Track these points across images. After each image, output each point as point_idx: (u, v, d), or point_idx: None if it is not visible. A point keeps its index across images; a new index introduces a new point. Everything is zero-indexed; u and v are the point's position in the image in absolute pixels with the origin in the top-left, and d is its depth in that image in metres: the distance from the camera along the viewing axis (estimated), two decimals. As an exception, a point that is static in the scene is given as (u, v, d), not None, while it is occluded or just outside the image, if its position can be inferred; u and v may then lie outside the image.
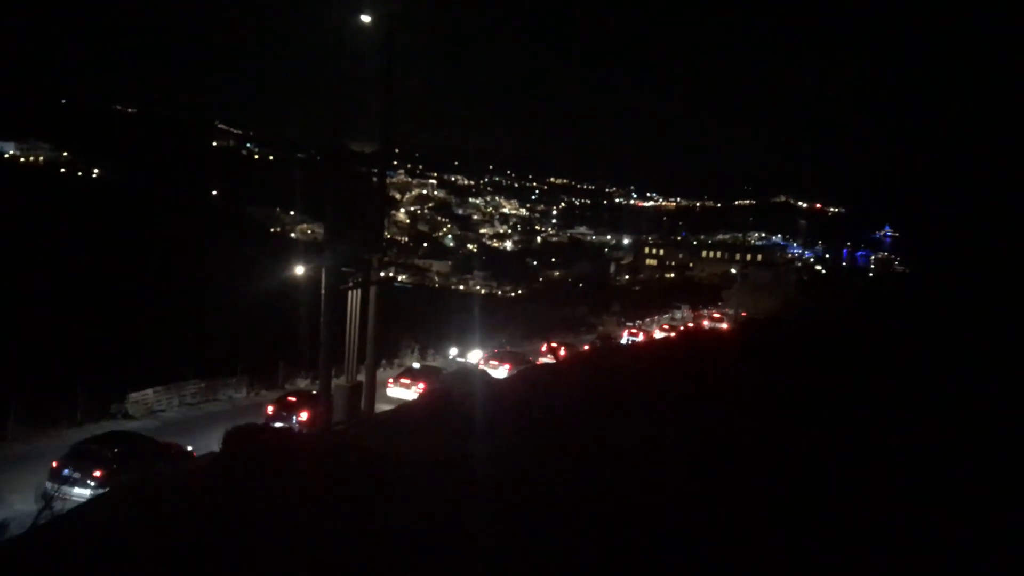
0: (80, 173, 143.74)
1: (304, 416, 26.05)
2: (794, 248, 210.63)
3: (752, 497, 9.64)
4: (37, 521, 12.68)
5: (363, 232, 25.66)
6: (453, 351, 47.62)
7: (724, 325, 71.34)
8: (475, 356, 44.15)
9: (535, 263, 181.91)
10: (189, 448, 22.31)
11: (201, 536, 8.98)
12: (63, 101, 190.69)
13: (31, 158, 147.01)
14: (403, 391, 33.14)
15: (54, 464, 19.20)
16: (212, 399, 33.33)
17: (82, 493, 17.82)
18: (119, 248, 72.82)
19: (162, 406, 31.09)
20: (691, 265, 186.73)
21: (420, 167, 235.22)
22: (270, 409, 27.58)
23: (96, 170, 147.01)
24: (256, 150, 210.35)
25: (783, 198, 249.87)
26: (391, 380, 35.06)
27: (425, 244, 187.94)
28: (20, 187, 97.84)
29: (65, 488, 17.64)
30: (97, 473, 18.71)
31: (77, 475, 18.69)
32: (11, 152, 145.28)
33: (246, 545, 8.68)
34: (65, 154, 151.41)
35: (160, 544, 8.86)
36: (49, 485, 18.01)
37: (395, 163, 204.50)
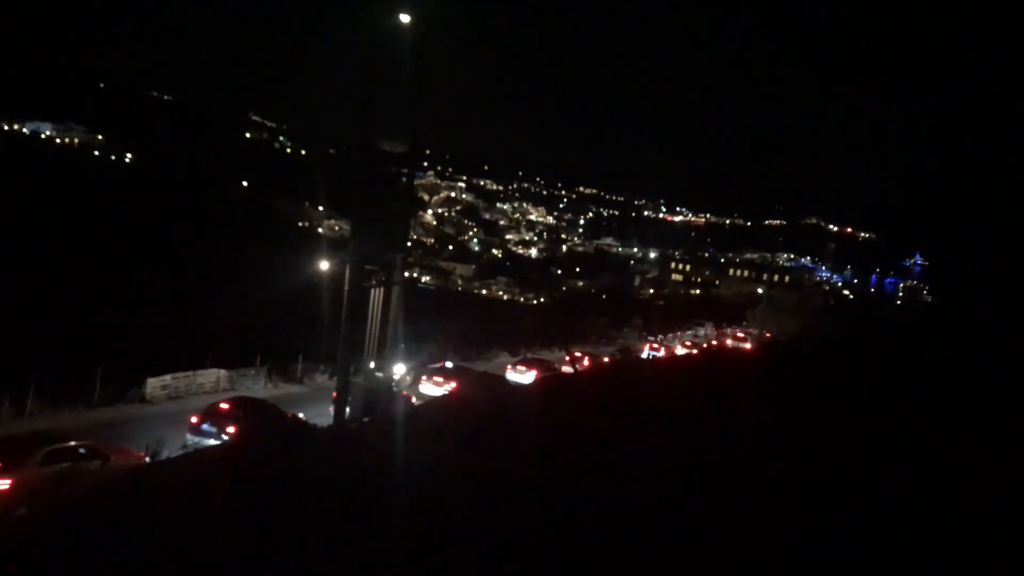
0: (113, 157, 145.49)
1: (232, 430, 21.95)
2: (822, 271, 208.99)
3: (765, 528, 9.48)
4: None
5: (388, 231, 25.65)
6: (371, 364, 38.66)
7: (747, 345, 70.83)
8: (401, 370, 32.71)
9: (559, 272, 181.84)
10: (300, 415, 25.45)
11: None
12: (100, 85, 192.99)
13: (66, 139, 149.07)
14: (435, 388, 34.22)
15: (194, 419, 23.46)
16: (230, 389, 33.49)
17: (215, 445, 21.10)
18: (146, 233, 73.55)
19: (180, 392, 31.31)
20: (717, 283, 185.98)
21: (450, 170, 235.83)
22: (193, 419, 24.17)
23: (129, 155, 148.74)
24: (288, 144, 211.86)
25: (814, 220, 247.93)
26: (424, 377, 36.14)
27: (450, 247, 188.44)
28: (54, 167, 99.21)
29: (202, 440, 21.98)
30: (230, 429, 22.53)
31: (213, 430, 22.72)
32: (48, 132, 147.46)
33: (250, 539, 8.65)
34: (100, 137, 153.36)
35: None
36: (189, 437, 22.51)
37: (424, 164, 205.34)
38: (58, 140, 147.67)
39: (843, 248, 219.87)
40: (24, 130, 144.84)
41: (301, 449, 14.23)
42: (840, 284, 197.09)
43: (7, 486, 16.19)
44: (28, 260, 50.78)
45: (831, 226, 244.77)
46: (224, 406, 24.37)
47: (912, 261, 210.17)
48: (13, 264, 47.75)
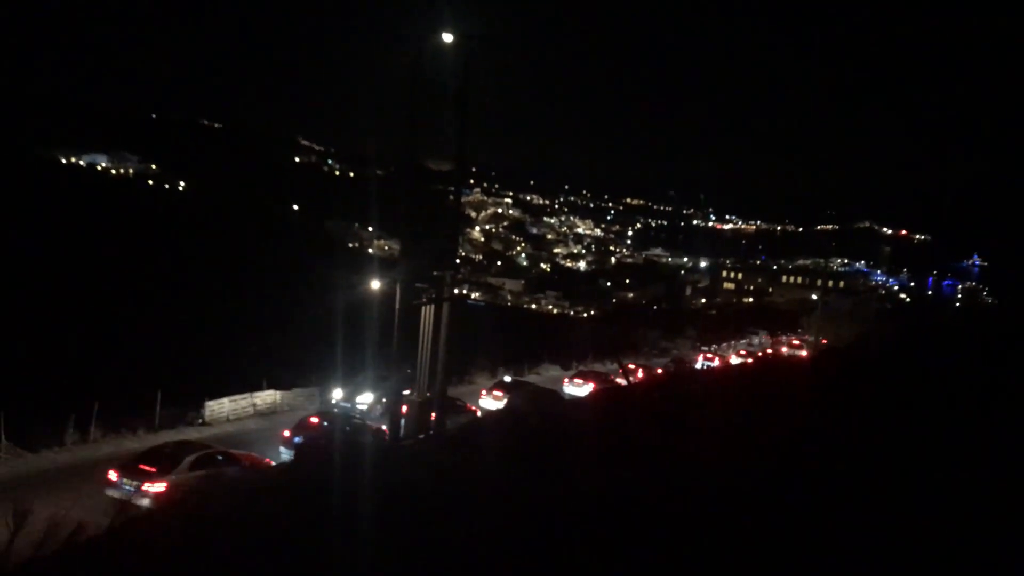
0: (167, 185, 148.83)
1: (153, 488, 19.00)
2: (877, 276, 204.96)
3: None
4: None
5: (437, 249, 25.81)
6: (337, 393, 33.94)
7: (803, 353, 69.61)
8: (366, 399, 32.42)
9: (608, 284, 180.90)
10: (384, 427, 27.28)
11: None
12: (152, 116, 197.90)
13: (121, 170, 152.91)
14: (494, 403, 35.10)
15: (286, 433, 25.74)
16: (287, 410, 33.87)
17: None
18: (199, 260, 74.93)
19: (238, 414, 31.76)
20: (770, 290, 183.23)
21: (496, 186, 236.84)
22: (286, 433, 26.06)
23: (182, 183, 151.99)
24: (336, 166, 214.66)
25: (867, 224, 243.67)
26: (484, 392, 37.45)
27: (498, 262, 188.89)
28: (110, 197, 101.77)
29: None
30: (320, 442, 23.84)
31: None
32: (103, 164, 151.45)
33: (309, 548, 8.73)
34: (153, 167, 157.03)
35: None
36: (283, 450, 24.73)
37: (471, 182, 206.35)
38: (113, 171, 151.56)
39: (898, 251, 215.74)
40: (81, 162, 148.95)
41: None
42: (896, 288, 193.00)
43: (163, 488, 18.70)
44: (86, 288, 52.11)
45: (885, 229, 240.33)
46: (314, 420, 26.77)
47: (970, 262, 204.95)
48: (73, 293, 49.07)
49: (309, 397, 35.54)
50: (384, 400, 31.21)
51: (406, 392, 25.88)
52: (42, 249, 62.10)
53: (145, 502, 18.30)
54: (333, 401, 32.99)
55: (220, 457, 20.98)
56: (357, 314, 33.65)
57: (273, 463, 22.85)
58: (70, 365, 31.82)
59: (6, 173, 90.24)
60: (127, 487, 19.06)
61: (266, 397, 33.59)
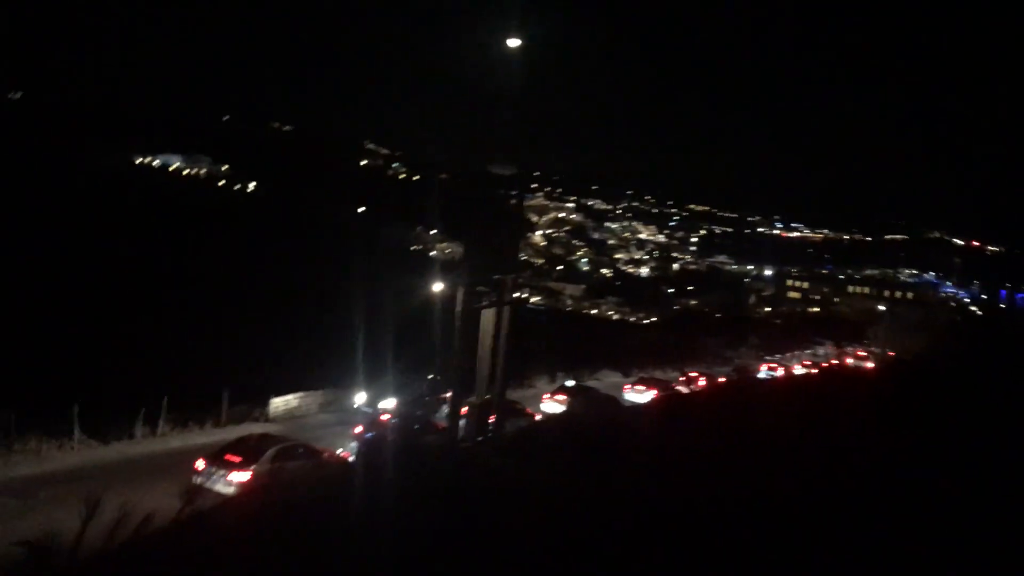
0: (237, 186, 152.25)
1: (237, 478, 20.04)
2: (947, 287, 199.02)
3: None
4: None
5: (499, 253, 25.91)
6: (360, 397, 33.62)
7: (869, 364, 68.13)
8: (389, 404, 32.37)
9: (671, 291, 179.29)
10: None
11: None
12: (225, 118, 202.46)
13: (193, 171, 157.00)
14: (556, 407, 35.88)
15: (358, 429, 27.02)
16: (350, 408, 34.42)
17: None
18: (266, 260, 76.39)
19: (301, 412, 32.37)
20: (836, 300, 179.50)
21: (559, 190, 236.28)
22: (358, 429, 27.28)
23: (252, 183, 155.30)
24: (401, 170, 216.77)
25: (937, 234, 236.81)
26: (546, 396, 38.24)
27: (559, 267, 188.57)
28: (183, 197, 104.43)
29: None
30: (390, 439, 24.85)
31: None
32: (176, 164, 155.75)
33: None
34: (224, 168, 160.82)
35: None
36: (355, 445, 25.70)
37: (533, 186, 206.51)
38: (185, 171, 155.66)
39: (969, 262, 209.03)
40: (155, 163, 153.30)
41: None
42: (967, 300, 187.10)
43: (247, 478, 19.79)
44: (156, 286, 53.60)
45: (956, 239, 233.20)
46: (384, 418, 27.96)
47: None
48: (143, 291, 50.53)
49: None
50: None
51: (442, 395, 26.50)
52: (116, 247, 64.11)
53: (230, 490, 19.42)
54: (355, 405, 32.79)
55: (300, 450, 22.02)
56: (417, 318, 34.04)
57: (350, 457, 23.46)
58: (140, 361, 32.72)
59: (84, 175, 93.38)
60: (214, 476, 20.08)
61: (328, 395, 34.21)
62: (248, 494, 18.67)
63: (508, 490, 12.10)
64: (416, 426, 27.10)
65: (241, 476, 19.85)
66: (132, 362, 32.87)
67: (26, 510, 18.29)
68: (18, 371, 27.78)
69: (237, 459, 20.54)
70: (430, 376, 35.58)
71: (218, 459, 20.70)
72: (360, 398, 32.56)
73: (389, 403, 31.77)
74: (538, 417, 32.19)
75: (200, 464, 20.58)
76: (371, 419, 28.50)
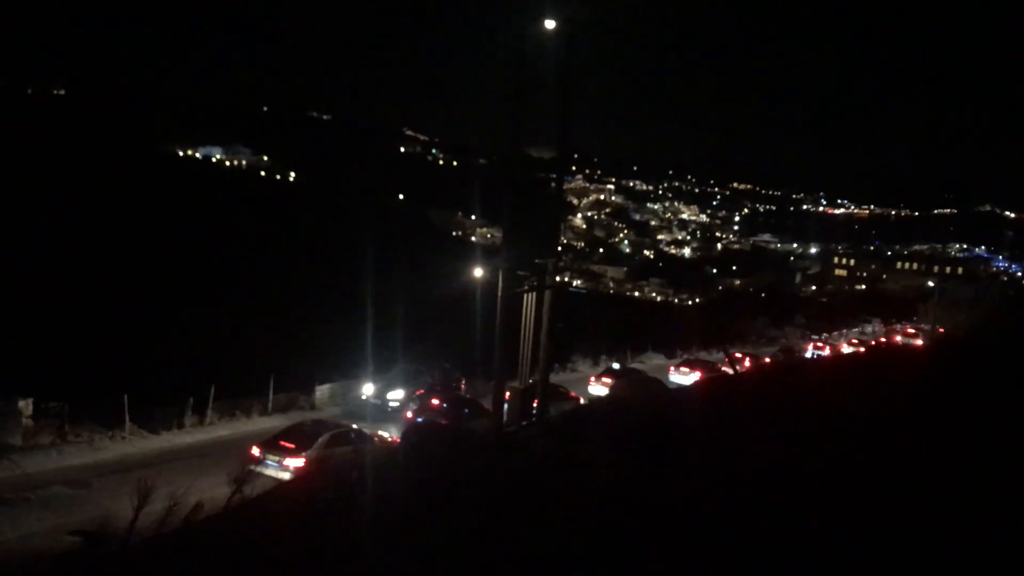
0: (278, 176, 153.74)
1: (292, 463, 20.62)
2: (999, 261, 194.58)
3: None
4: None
5: (539, 236, 25.75)
6: (368, 388, 31.58)
7: (918, 342, 66.81)
8: (399, 395, 31.15)
9: (714, 271, 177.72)
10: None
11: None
12: (264, 109, 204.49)
13: (235, 162, 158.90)
14: (603, 389, 35.70)
15: (409, 415, 27.21)
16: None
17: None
18: (308, 249, 77.05)
19: (346, 400, 32.57)
20: (884, 277, 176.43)
21: (598, 172, 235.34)
22: (409, 414, 27.50)
23: (292, 173, 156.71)
24: (440, 156, 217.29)
25: (987, 207, 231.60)
26: (593, 378, 38.20)
27: (601, 250, 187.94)
28: (225, 187, 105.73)
29: None
30: (443, 422, 25.31)
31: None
32: (218, 156, 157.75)
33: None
34: (265, 158, 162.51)
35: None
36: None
37: (573, 168, 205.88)
38: (227, 163, 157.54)
39: (1022, 235, 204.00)
40: (197, 155, 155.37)
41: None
42: (1020, 274, 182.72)
43: (302, 463, 20.34)
44: (198, 278, 54.38)
45: (1008, 212, 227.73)
46: (435, 402, 28.18)
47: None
48: (187, 281, 51.30)
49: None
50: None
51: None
52: (161, 238, 65.14)
53: (285, 476, 19.97)
54: (363, 397, 31.28)
55: (352, 435, 22.52)
56: (457, 303, 34.04)
57: (400, 441, 23.58)
58: (188, 349, 33.22)
59: (129, 167, 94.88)
60: (269, 462, 20.65)
61: (371, 383, 34.39)
62: (298, 480, 19.03)
63: (554, 470, 12.03)
64: (466, 409, 27.22)
65: (295, 462, 20.38)
66: (180, 351, 33.43)
67: (80, 499, 18.68)
68: (70, 361, 28.43)
69: (291, 445, 21.09)
70: (444, 364, 35.30)
71: (273, 445, 21.28)
72: (367, 389, 31.12)
73: (397, 394, 30.83)
74: (582, 401, 32.12)
75: (256, 451, 21.15)
76: (422, 404, 28.68)
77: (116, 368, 28.54)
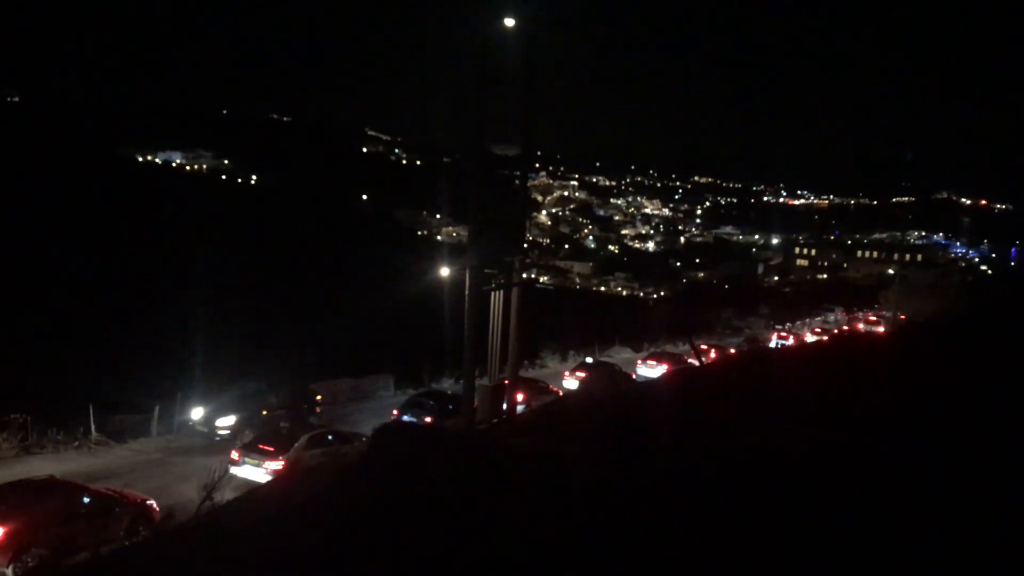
0: (240, 180, 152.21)
1: (272, 466, 20.75)
2: (957, 248, 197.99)
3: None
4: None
5: (505, 234, 25.78)
6: (196, 413, 26.67)
7: (880, 329, 67.89)
8: (228, 421, 26.03)
9: (678, 264, 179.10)
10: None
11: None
12: (224, 112, 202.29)
13: (196, 166, 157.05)
14: (577, 383, 35.87)
15: (395, 412, 27.82)
16: (361, 397, 34.45)
17: None
18: (273, 251, 76.46)
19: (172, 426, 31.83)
20: (845, 266, 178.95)
21: (562, 169, 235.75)
22: (394, 412, 28.24)
23: (254, 176, 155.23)
24: (404, 155, 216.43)
25: (945, 195, 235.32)
26: (567, 372, 38.82)
27: (566, 245, 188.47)
28: (186, 192, 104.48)
29: None
30: (427, 419, 26.68)
31: (413, 419, 26.62)
32: (178, 160, 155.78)
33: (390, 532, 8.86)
34: (226, 162, 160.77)
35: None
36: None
37: (537, 166, 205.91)
38: (188, 167, 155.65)
39: (978, 222, 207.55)
40: (157, 160, 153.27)
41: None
42: (977, 260, 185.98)
43: (281, 466, 20.49)
44: (164, 280, 53.77)
45: (964, 199, 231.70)
46: (420, 399, 28.95)
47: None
48: (152, 284, 50.69)
49: (384, 384, 36.17)
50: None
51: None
52: (111, 244, 64.27)
53: (266, 478, 20.00)
54: (190, 423, 26.56)
55: (331, 436, 22.82)
56: (428, 303, 34.02)
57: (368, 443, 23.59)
58: (152, 358, 32.87)
59: (89, 172, 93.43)
60: (248, 464, 21.02)
61: (342, 384, 34.29)
62: (269, 485, 18.86)
63: (525, 464, 12.07)
64: (449, 406, 27.61)
65: (275, 464, 20.65)
66: (145, 359, 33.06)
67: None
68: (32, 372, 28.00)
69: (271, 448, 21.36)
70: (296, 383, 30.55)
71: (252, 448, 21.55)
72: (196, 413, 26.41)
73: (228, 420, 25.97)
74: (560, 394, 32.53)
75: (235, 455, 21.40)
76: (409, 400, 29.45)
77: (82, 378, 28.20)
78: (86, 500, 16.54)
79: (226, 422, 25.94)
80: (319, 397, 30.43)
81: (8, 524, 14.77)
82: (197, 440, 25.53)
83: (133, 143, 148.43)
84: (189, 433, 26.17)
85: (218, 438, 25.34)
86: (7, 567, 14.51)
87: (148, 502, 17.79)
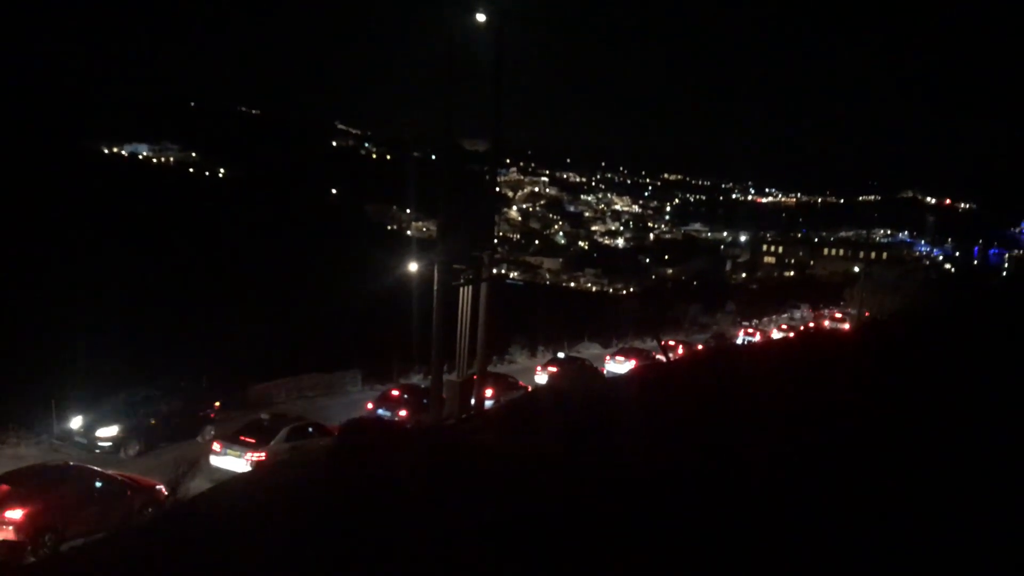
0: (207, 173, 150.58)
1: (253, 457, 21.17)
2: (921, 246, 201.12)
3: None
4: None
5: (475, 229, 25.85)
6: (76, 422, 24.49)
7: (846, 326, 68.79)
8: (111, 431, 23.66)
9: (647, 260, 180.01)
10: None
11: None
12: (191, 104, 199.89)
13: (162, 159, 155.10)
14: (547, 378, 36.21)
15: (370, 405, 28.40)
16: (328, 392, 34.31)
17: None
18: (241, 245, 75.80)
19: (282, 398, 32.20)
20: (811, 263, 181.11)
21: (532, 164, 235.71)
22: (369, 405, 28.89)
23: (222, 170, 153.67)
24: (374, 149, 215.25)
25: (910, 193, 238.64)
26: (539, 368, 39.04)
27: (536, 241, 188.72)
28: (152, 186, 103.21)
29: None
30: (403, 412, 27.42)
31: (388, 413, 27.37)
32: (144, 153, 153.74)
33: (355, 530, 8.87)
34: (193, 155, 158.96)
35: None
36: None
37: (507, 161, 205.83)
38: (155, 160, 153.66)
39: (943, 220, 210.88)
40: (123, 152, 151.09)
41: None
42: (941, 258, 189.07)
43: (263, 457, 20.87)
44: (134, 275, 53.09)
45: (929, 198, 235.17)
46: (395, 393, 29.42)
47: (1017, 230, 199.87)
48: (119, 278, 50.03)
49: (352, 380, 36.04)
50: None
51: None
52: (84, 239, 63.33)
53: (247, 469, 20.28)
54: (72, 429, 24.35)
55: (311, 429, 23.27)
56: (397, 298, 33.93)
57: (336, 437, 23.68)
58: (122, 352, 32.43)
59: (53, 165, 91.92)
60: (229, 455, 21.51)
61: (309, 380, 34.11)
62: (239, 478, 18.82)
63: (490, 458, 12.11)
64: (424, 400, 27.54)
65: (256, 456, 21.15)
66: (114, 353, 32.60)
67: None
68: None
69: (252, 440, 21.92)
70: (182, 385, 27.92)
71: (234, 440, 22.00)
72: (76, 423, 24.20)
73: (110, 430, 23.74)
74: (530, 389, 32.60)
75: (216, 446, 21.89)
76: (383, 394, 29.87)
77: (43, 375, 27.75)
78: (99, 484, 17.42)
79: (108, 432, 23.62)
80: (217, 404, 27.89)
81: (28, 507, 15.63)
82: (74, 452, 23.20)
83: (99, 135, 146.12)
84: (69, 444, 23.88)
85: (98, 450, 23.21)
86: (27, 548, 14.92)
87: (158, 487, 18.44)
